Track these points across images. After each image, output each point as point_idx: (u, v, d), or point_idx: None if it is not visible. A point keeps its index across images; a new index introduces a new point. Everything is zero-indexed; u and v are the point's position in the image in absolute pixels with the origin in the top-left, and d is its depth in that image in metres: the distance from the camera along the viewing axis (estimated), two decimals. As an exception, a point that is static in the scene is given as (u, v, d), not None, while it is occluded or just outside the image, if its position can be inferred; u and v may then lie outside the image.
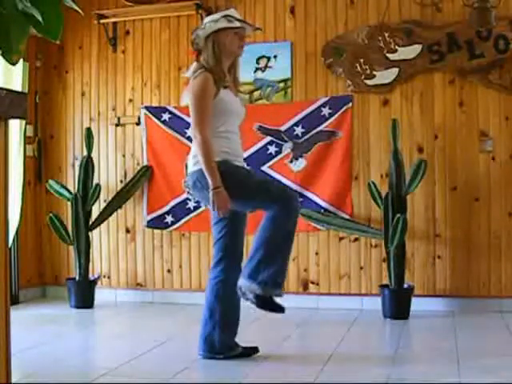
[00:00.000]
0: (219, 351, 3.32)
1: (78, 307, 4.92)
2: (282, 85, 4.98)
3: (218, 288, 3.34)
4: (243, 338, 3.41)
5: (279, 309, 3.22)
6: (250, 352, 3.40)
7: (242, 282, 3.18)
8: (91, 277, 5.11)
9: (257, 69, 5.02)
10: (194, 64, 3.36)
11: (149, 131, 5.24)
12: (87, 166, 5.06)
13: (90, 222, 5.08)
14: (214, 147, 3.20)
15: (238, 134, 3.40)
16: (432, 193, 4.72)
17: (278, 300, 3.22)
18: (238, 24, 3.33)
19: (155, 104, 5.25)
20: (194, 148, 3.25)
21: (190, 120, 3.27)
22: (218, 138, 3.24)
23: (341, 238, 4.86)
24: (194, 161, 3.28)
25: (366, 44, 4.78)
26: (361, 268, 4.84)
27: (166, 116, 5.19)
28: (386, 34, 4.73)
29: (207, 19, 3.35)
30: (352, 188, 4.84)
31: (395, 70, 4.74)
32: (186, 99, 3.35)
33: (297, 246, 4.86)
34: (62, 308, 4.95)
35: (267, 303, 3.18)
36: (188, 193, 3.46)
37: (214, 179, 3.15)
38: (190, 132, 3.28)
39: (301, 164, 4.90)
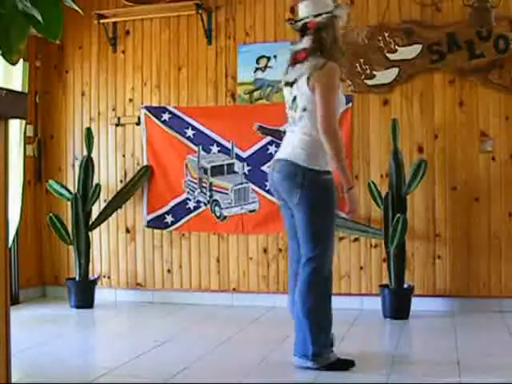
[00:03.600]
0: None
1: (78, 307, 4.92)
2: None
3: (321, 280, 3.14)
4: (243, 339, 3.40)
5: (350, 365, 3.11)
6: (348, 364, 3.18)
7: (298, 361, 3.13)
8: (91, 277, 5.11)
9: (257, 69, 5.02)
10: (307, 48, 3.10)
11: (149, 131, 5.23)
12: (87, 166, 5.06)
13: (90, 222, 5.08)
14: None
15: None
16: (432, 193, 4.72)
17: (338, 355, 3.11)
18: (345, 11, 3.17)
19: (155, 104, 5.25)
20: (326, 145, 3.00)
21: (319, 113, 3.02)
22: None
23: (341, 238, 4.85)
24: (308, 152, 3.04)
25: (366, 44, 4.78)
26: (361, 268, 4.84)
27: (165, 116, 5.19)
28: (386, 34, 4.73)
29: (324, 2, 3.10)
30: (352, 188, 4.83)
31: (395, 70, 4.74)
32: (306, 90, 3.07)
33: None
34: (62, 308, 4.94)
35: (331, 368, 3.08)
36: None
37: (350, 178, 2.99)
38: (318, 125, 3.03)
39: (301, 164, 4.88)
